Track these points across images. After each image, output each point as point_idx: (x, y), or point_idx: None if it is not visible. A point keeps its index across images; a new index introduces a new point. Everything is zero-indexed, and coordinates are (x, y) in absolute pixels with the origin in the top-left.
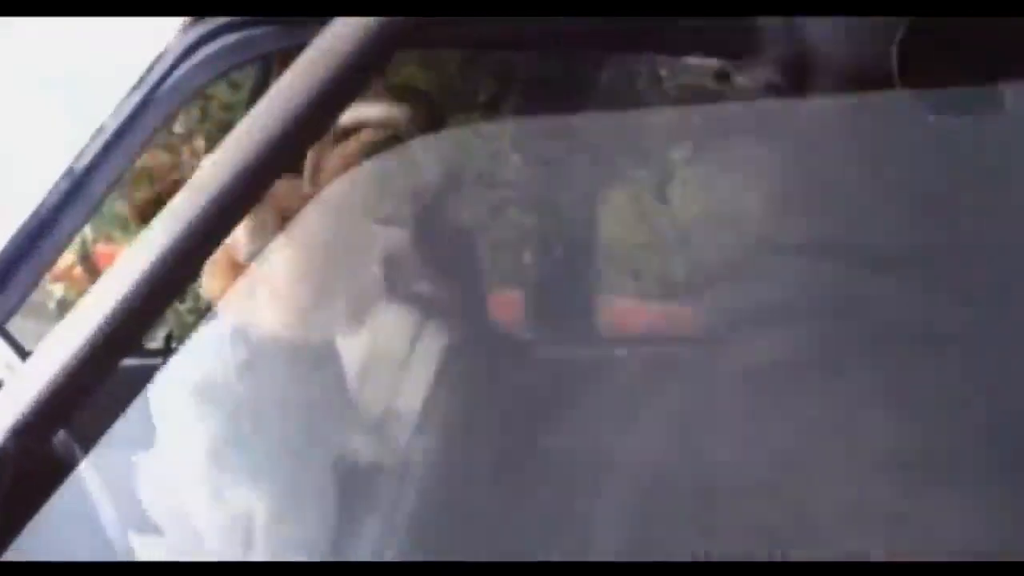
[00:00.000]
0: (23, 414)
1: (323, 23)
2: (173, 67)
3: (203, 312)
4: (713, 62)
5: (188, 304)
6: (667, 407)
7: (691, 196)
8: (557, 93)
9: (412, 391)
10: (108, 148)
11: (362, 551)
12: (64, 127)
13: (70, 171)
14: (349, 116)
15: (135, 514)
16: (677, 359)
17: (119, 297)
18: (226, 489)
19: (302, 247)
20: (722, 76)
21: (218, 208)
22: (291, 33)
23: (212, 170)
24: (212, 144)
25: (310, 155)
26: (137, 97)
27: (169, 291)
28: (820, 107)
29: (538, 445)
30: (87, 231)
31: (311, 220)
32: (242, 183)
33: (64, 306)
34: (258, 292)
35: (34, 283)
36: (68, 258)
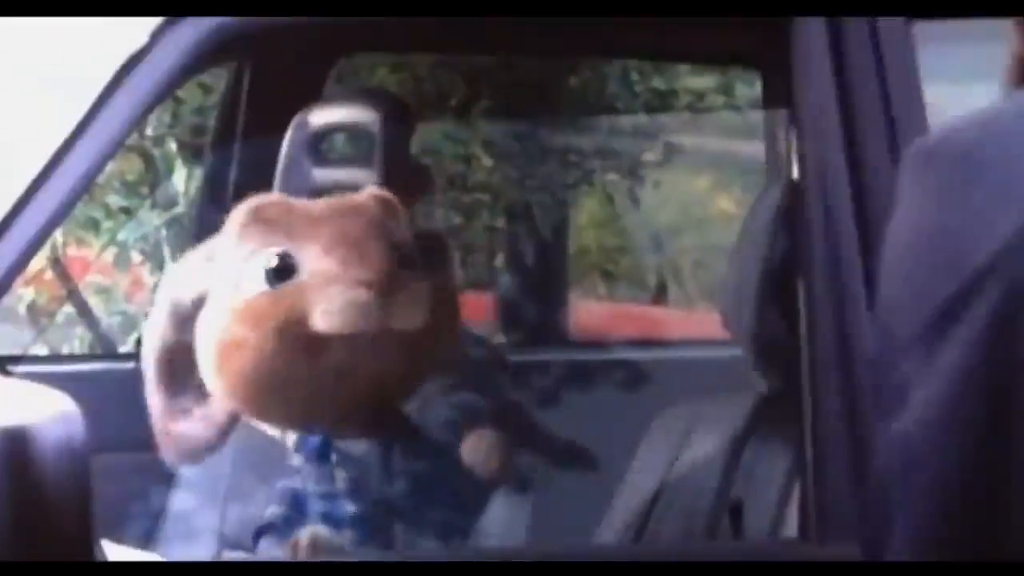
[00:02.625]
0: None
1: (295, 25)
2: (144, 70)
3: None
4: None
5: None
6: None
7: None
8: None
9: None
10: (79, 151)
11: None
12: (64, 127)
13: (40, 175)
14: (321, 120)
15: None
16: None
17: None
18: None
19: None
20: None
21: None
22: (263, 35)
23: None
24: (183, 147)
25: None
26: (108, 100)
27: None
28: None
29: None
30: (58, 235)
31: None
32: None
33: (34, 310)
34: None
35: (5, 288)
36: (38, 262)
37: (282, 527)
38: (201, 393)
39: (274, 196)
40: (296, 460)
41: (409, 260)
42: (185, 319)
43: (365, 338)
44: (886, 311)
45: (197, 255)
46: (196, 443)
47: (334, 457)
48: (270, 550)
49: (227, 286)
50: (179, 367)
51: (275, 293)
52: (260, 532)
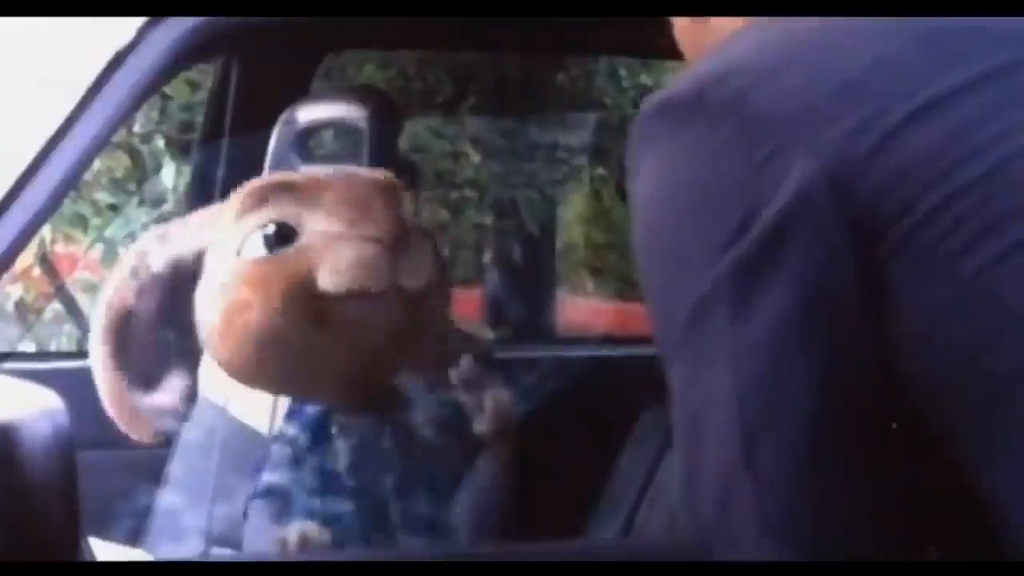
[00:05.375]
0: None
1: (283, 21)
2: (131, 66)
3: None
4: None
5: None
6: None
7: None
8: (516, 93)
9: None
10: (66, 148)
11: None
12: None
13: (28, 171)
14: (308, 116)
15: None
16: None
17: None
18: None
19: None
20: None
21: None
22: (250, 32)
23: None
24: (171, 144)
25: None
26: (95, 96)
27: None
28: None
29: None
30: (46, 232)
31: None
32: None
33: (22, 307)
34: None
35: None
36: (26, 259)
37: (273, 501)
38: (157, 365)
39: (276, 175)
40: (290, 430)
41: (412, 223)
42: (150, 286)
43: (373, 295)
44: (665, 273)
45: (195, 217)
46: (159, 418)
47: (334, 428)
48: (261, 520)
49: (228, 254)
50: (135, 338)
51: (278, 257)
52: (254, 496)
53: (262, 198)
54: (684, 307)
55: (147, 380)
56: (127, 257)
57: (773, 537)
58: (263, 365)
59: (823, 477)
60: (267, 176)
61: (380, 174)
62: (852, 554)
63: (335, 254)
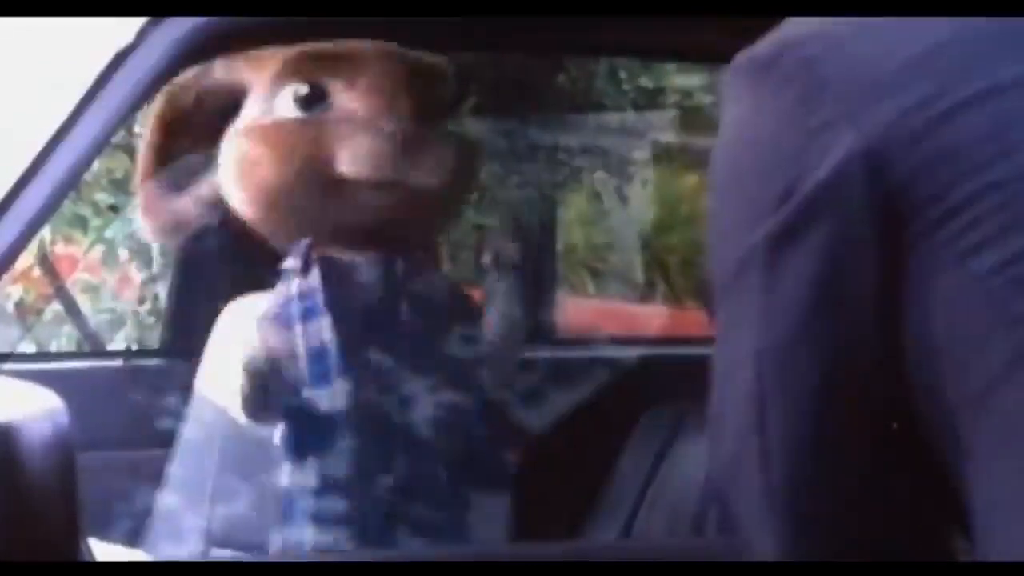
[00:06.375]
0: None
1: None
2: (131, 67)
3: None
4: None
5: (147, 306)
6: None
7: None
8: (516, 94)
9: None
10: (66, 149)
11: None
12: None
13: (27, 172)
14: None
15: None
16: None
17: None
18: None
19: None
20: None
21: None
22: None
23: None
24: None
25: None
26: (96, 97)
27: None
28: None
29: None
30: (46, 232)
31: None
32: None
33: (22, 308)
34: None
35: None
36: (26, 259)
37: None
38: (190, 173)
39: (320, 44)
40: (289, 263)
41: (440, 116)
42: (206, 95)
43: (383, 184)
44: (721, 226)
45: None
46: (184, 218)
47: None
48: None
49: (257, 108)
50: (181, 137)
51: (303, 120)
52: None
53: (301, 62)
54: (730, 263)
55: (178, 183)
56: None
57: (772, 501)
58: (270, 218)
59: (824, 452)
60: (310, 45)
61: (423, 56)
62: (845, 534)
63: (354, 140)
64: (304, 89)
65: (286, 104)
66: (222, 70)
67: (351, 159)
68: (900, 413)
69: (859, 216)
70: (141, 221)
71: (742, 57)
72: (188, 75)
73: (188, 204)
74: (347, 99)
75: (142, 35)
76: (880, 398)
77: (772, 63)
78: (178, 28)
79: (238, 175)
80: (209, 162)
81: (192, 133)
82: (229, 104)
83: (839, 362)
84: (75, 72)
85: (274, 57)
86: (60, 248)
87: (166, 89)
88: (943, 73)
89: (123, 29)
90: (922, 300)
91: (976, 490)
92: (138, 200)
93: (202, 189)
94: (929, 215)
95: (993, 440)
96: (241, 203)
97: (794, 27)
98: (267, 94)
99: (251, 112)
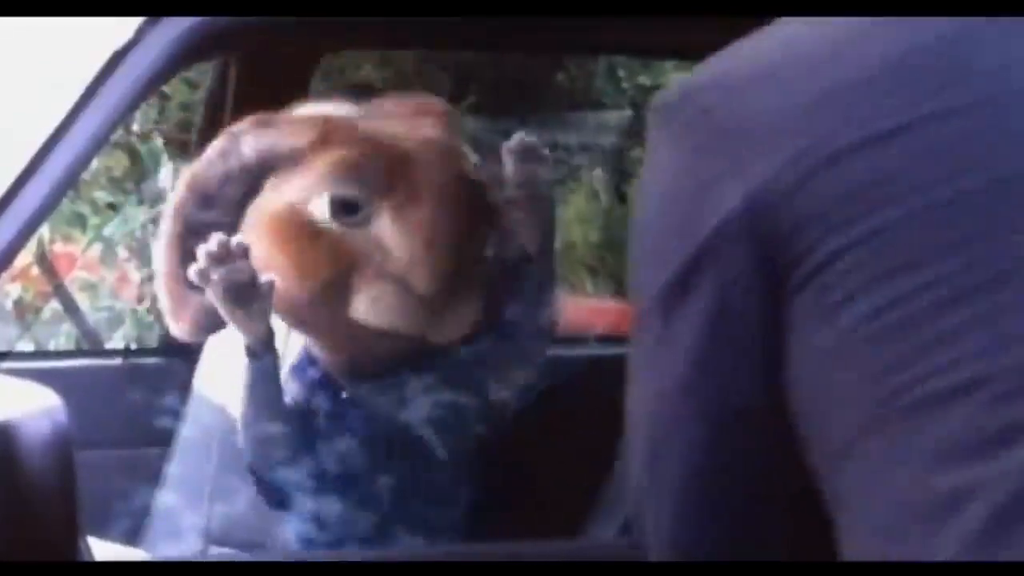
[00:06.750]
0: None
1: (281, 21)
2: (129, 65)
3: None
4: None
5: (146, 304)
6: None
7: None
8: (515, 93)
9: None
10: (65, 147)
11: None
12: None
13: (26, 171)
14: (308, 114)
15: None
16: None
17: None
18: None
19: None
20: None
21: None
22: (248, 31)
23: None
24: (170, 143)
25: None
26: (94, 95)
27: None
28: None
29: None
30: (44, 231)
31: None
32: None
33: (20, 306)
34: None
35: None
36: (25, 258)
37: None
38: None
39: (379, 136)
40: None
41: (475, 270)
42: (237, 174)
43: (396, 335)
44: (633, 273)
45: (292, 118)
46: (204, 316)
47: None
48: None
49: (296, 187)
50: (204, 224)
51: (334, 231)
52: None
53: (354, 172)
54: (638, 309)
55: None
56: (219, 138)
57: (659, 537)
58: (285, 317)
59: (706, 500)
60: (368, 131)
61: (485, 192)
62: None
63: (377, 290)
64: (339, 197)
65: (321, 205)
66: (256, 141)
67: (366, 306)
68: (787, 465)
69: (743, 270)
70: (172, 326)
71: (656, 101)
72: (215, 150)
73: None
74: (386, 228)
75: (140, 34)
76: (767, 448)
77: (676, 110)
78: (176, 27)
79: (263, 265)
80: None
81: (223, 214)
82: (263, 174)
83: (725, 412)
84: (75, 72)
85: (316, 129)
86: (59, 246)
87: (187, 176)
88: (832, 119)
89: (122, 29)
90: (799, 354)
91: (848, 542)
92: (163, 303)
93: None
94: (802, 269)
95: (855, 496)
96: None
97: (701, 71)
98: (308, 183)
99: (286, 193)
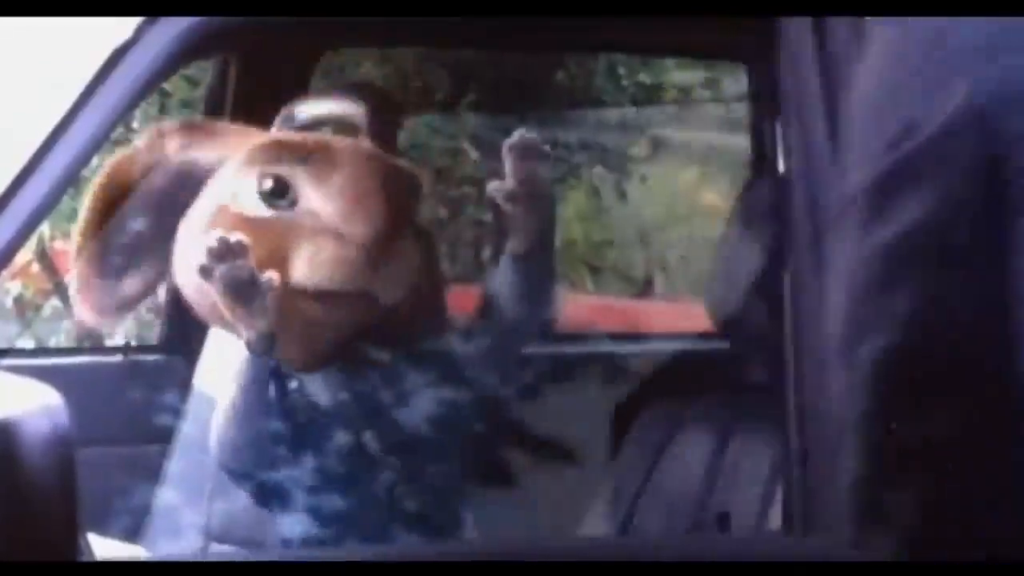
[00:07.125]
0: None
1: (282, 21)
2: (130, 63)
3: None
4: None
5: (146, 302)
6: None
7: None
8: (515, 90)
9: None
10: (65, 145)
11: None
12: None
13: (27, 168)
14: (307, 113)
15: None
16: None
17: None
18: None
19: None
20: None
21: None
22: (249, 29)
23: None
24: None
25: None
26: (94, 93)
27: None
28: None
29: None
30: (44, 228)
31: None
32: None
33: (21, 303)
34: None
35: None
36: (25, 255)
37: None
38: (130, 253)
39: (293, 136)
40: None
41: (410, 225)
42: (158, 171)
43: (340, 295)
44: (849, 146)
45: (221, 128)
46: (127, 301)
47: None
48: None
49: (224, 190)
50: (122, 217)
51: (265, 221)
52: None
53: (272, 153)
54: (848, 194)
55: (118, 265)
56: (146, 133)
57: (862, 426)
58: (219, 313)
59: (911, 397)
60: (284, 134)
61: (399, 163)
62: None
63: (314, 246)
64: (269, 182)
65: (250, 195)
66: (182, 144)
67: (305, 267)
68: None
69: (959, 174)
70: (76, 308)
71: None
72: (140, 144)
73: (133, 285)
74: (312, 197)
75: (139, 32)
76: (972, 359)
77: None
78: (176, 25)
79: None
80: (157, 241)
81: (141, 208)
82: (187, 181)
83: (920, 320)
84: (75, 72)
85: (241, 138)
86: (59, 244)
87: (112, 160)
88: None
89: (122, 29)
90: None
91: None
92: (72, 283)
93: (147, 271)
94: None
95: None
96: (192, 290)
97: None
98: (232, 179)
99: (214, 197)
